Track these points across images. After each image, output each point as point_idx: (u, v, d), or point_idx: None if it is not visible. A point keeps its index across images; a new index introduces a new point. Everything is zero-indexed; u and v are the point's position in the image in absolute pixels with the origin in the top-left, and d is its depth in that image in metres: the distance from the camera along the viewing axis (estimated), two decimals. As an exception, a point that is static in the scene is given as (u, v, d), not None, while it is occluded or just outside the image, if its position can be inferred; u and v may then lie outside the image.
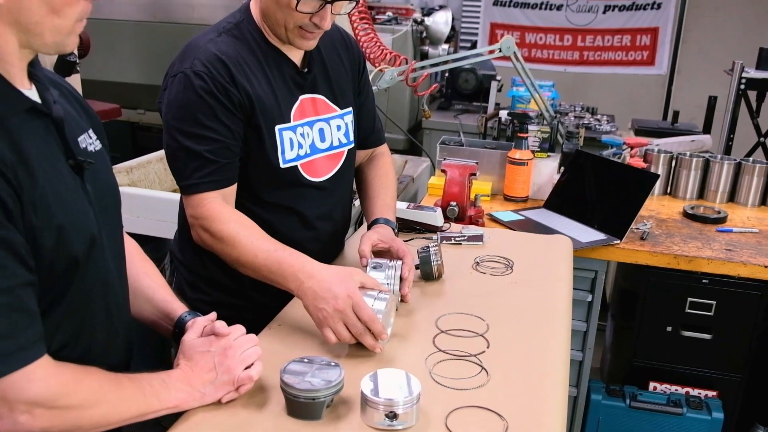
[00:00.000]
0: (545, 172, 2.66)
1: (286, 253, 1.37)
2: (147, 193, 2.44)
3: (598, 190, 2.48)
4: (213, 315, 1.22)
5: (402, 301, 1.49)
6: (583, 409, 2.49)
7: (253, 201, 1.52)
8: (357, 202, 1.82)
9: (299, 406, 1.11)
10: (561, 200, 2.53)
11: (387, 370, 1.16)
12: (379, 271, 1.47)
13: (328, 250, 1.69)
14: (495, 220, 2.41)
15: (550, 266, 1.80)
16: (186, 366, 1.12)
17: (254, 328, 1.39)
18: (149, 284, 1.28)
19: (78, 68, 3.79)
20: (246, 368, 1.14)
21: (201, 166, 1.40)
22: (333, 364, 1.17)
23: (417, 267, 1.61)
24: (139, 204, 2.39)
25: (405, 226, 1.95)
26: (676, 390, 2.51)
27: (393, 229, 1.63)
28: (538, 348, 1.38)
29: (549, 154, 2.74)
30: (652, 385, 2.52)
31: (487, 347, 1.37)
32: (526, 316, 1.51)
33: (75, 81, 3.79)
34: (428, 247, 1.64)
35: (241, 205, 1.50)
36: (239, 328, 1.17)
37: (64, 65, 3.08)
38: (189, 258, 1.58)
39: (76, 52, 3.42)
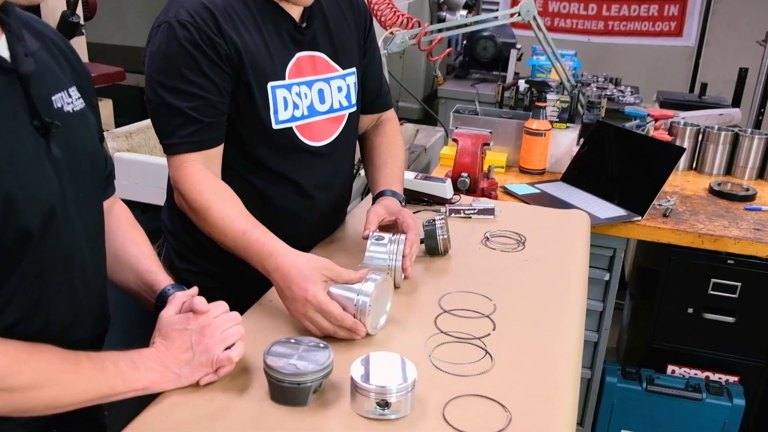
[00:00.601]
0: (564, 143, 2.53)
1: (254, 237, 1.26)
2: (147, 159, 2.34)
3: (620, 163, 2.34)
4: (194, 290, 1.13)
5: (404, 277, 1.39)
6: (597, 391, 2.39)
7: (245, 167, 1.41)
8: (362, 172, 1.70)
9: (283, 391, 1.02)
10: (579, 173, 2.41)
11: (380, 354, 1.06)
12: (381, 245, 1.36)
13: (327, 222, 1.59)
14: (509, 193, 2.30)
15: (565, 243, 1.68)
16: (161, 344, 1.03)
17: (246, 302, 1.31)
18: (135, 253, 1.19)
19: (83, 30, 3.70)
20: (226, 349, 1.04)
21: (183, 124, 1.30)
22: (322, 345, 1.07)
23: (422, 241, 1.51)
24: (138, 170, 2.30)
25: (412, 198, 1.84)
26: (696, 374, 2.40)
27: (400, 202, 1.52)
28: (549, 331, 1.27)
29: (568, 124, 2.60)
30: (670, 368, 2.42)
31: (493, 329, 1.26)
32: (537, 296, 1.40)
33: (80, 43, 3.69)
34: (434, 220, 1.53)
35: (233, 170, 1.40)
36: (220, 305, 1.08)
37: (67, 26, 2.98)
38: (176, 226, 1.48)
39: (80, 14, 3.32)
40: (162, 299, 1.12)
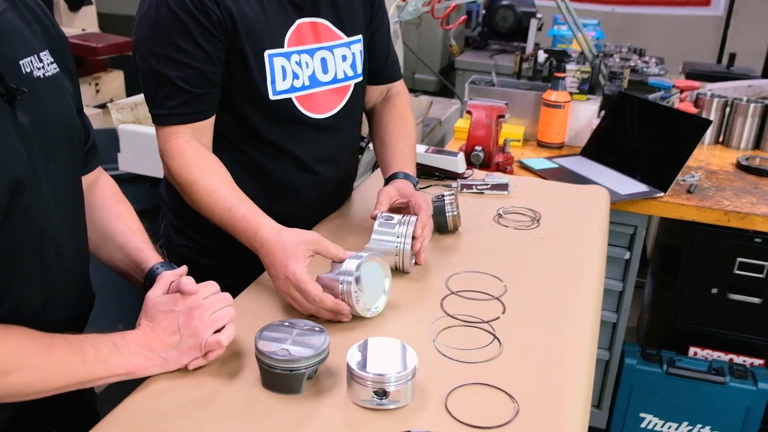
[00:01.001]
0: (583, 116, 2.42)
1: (240, 213, 1.20)
2: (153, 132, 2.27)
3: (642, 136, 2.24)
4: (182, 269, 1.06)
5: (415, 263, 1.31)
6: (616, 373, 2.31)
7: (242, 138, 1.34)
8: (371, 146, 1.63)
9: (275, 378, 0.96)
10: (600, 147, 2.31)
11: (379, 339, 0.99)
12: (389, 226, 1.28)
13: (332, 198, 1.52)
14: (525, 167, 2.21)
15: (582, 220, 1.60)
16: (147, 327, 0.97)
17: (247, 280, 1.25)
18: (121, 229, 1.12)
19: (92, 0, 3.64)
20: (216, 332, 0.98)
21: (171, 94, 1.23)
22: (318, 329, 1.01)
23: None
24: (144, 143, 2.23)
25: (423, 172, 1.76)
26: (719, 357, 2.32)
27: (414, 185, 1.44)
28: (563, 315, 1.19)
29: (588, 96, 2.49)
30: (692, 350, 2.34)
31: (503, 312, 1.19)
32: (550, 277, 1.32)
33: (90, 13, 3.65)
34: (443, 195, 1.45)
35: (230, 142, 1.33)
36: (210, 285, 1.01)
37: (75, -3, 2.93)
38: (174, 200, 1.42)
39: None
40: (150, 278, 1.06)
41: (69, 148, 0.96)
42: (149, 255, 1.10)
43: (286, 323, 1.02)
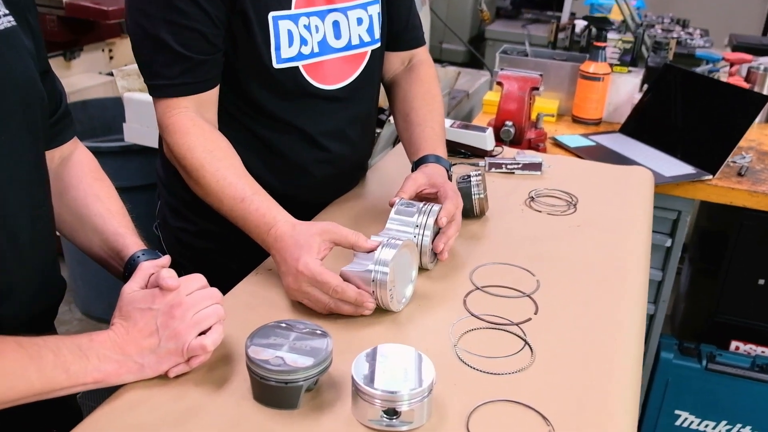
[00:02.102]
0: (624, 89, 2.23)
1: (254, 206, 1.06)
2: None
3: (689, 113, 2.05)
4: (164, 260, 0.93)
5: (436, 260, 1.15)
6: (651, 368, 2.15)
7: (245, 112, 1.20)
8: (392, 119, 1.47)
9: (269, 391, 0.82)
10: (641, 124, 2.12)
11: (391, 347, 0.85)
12: (407, 214, 1.12)
13: (344, 177, 1.37)
14: (559, 145, 2.03)
15: (624, 205, 1.43)
16: (120, 327, 0.84)
17: (250, 268, 1.11)
18: (99, 210, 0.98)
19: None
20: (201, 334, 0.84)
21: (170, 62, 1.08)
22: (319, 332, 0.87)
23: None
24: (150, 112, 2.08)
25: (447, 149, 1.60)
26: (763, 352, 2.15)
27: (447, 170, 1.27)
28: (605, 318, 1.04)
29: (630, 68, 2.30)
30: (734, 344, 2.18)
31: (535, 313, 1.04)
32: (590, 271, 1.17)
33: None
34: (469, 176, 1.30)
35: (230, 115, 1.19)
36: (194, 279, 0.87)
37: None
38: (171, 177, 1.28)
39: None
40: (130, 268, 0.93)
41: (27, 116, 0.82)
42: (130, 241, 0.96)
43: (283, 324, 0.88)
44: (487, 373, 0.90)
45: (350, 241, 0.99)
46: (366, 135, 1.38)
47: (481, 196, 1.29)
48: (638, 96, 2.19)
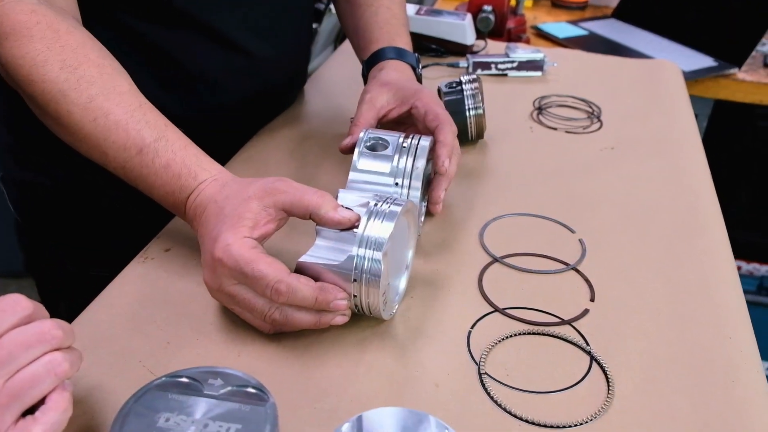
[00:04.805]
0: (615, -36, 1.83)
1: (160, 159, 0.62)
2: None
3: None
4: None
5: (428, 213, 0.76)
6: None
7: (126, 3, 0.74)
8: (332, 8, 1.04)
9: None
10: (640, 6, 1.73)
11: (384, 413, 0.46)
12: (380, 159, 0.69)
13: (276, 92, 0.93)
14: (544, 36, 1.63)
15: (663, 114, 1.05)
16: None
17: (146, 234, 0.71)
18: None
19: None
20: (28, 412, 0.44)
21: None
22: (252, 390, 0.47)
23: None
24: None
25: (413, 47, 1.18)
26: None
27: (414, 69, 0.87)
28: (701, 295, 0.67)
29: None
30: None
31: (592, 300, 0.66)
32: (655, 218, 0.79)
33: None
34: (460, 82, 0.89)
35: (104, 10, 0.73)
36: (12, 304, 0.45)
37: None
38: (9, 109, 0.83)
39: None
40: None
41: None
42: None
43: (184, 378, 0.48)
44: (540, 425, 0.53)
45: (310, 205, 0.57)
46: (300, 29, 0.92)
47: (479, 111, 0.89)
48: (633, -29, 1.79)
